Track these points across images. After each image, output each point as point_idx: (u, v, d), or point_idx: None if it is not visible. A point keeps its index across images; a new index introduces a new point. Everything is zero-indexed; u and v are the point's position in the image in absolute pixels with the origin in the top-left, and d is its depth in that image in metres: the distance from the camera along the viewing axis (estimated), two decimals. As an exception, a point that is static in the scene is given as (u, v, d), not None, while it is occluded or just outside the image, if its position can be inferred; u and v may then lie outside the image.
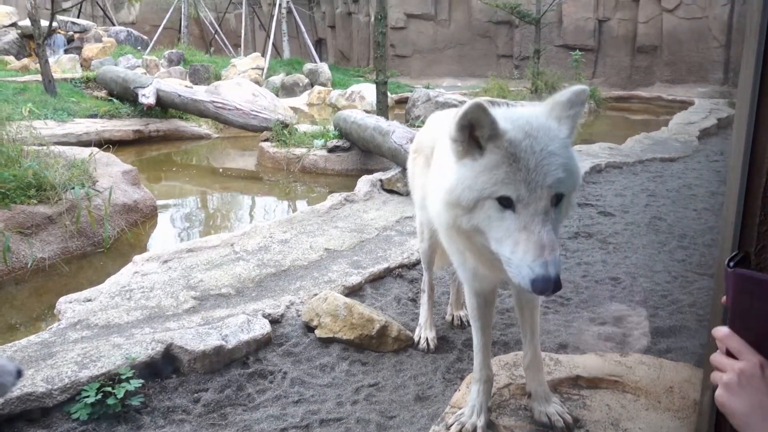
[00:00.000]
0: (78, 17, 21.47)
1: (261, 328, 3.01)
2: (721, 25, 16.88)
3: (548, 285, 1.51)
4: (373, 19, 11.43)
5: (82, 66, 17.52)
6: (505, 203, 1.56)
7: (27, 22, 15.35)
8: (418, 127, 10.35)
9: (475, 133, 1.60)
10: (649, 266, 4.12)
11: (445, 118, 2.88)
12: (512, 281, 1.60)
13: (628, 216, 5.29)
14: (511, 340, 3.13)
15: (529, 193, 1.54)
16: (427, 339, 3.11)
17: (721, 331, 1.17)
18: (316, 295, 3.34)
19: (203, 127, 11.17)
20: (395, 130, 6.71)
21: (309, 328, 3.18)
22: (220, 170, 9.07)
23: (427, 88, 17.12)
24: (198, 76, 18.13)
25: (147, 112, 10.60)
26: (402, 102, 15.49)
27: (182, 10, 25.63)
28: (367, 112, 11.37)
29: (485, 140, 1.59)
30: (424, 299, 3.22)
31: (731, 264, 1.16)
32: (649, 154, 8.00)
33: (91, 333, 2.93)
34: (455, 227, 1.71)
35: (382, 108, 9.82)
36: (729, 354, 1.16)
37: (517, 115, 1.66)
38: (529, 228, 1.54)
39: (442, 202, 1.72)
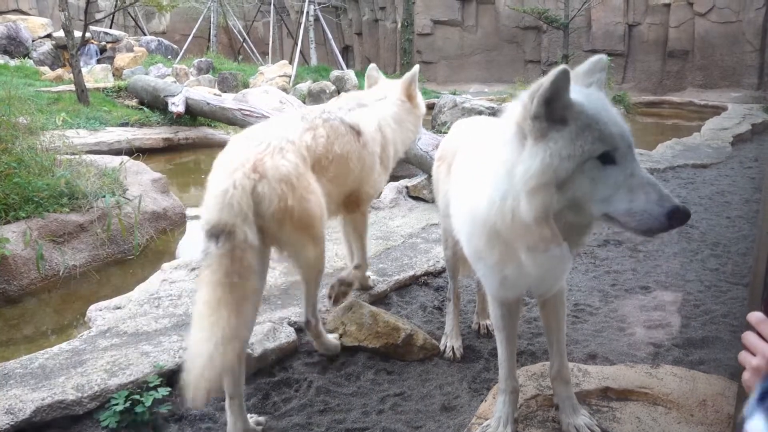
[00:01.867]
0: (110, 27, 21.92)
1: (287, 336, 3.02)
2: (756, 29, 16.53)
3: (685, 213, 1.54)
4: (399, 26, 11.45)
5: (113, 75, 17.86)
6: (605, 159, 1.59)
7: (61, 33, 15.71)
8: (444, 133, 10.32)
9: (554, 104, 1.60)
10: (681, 275, 4.04)
11: (469, 125, 2.87)
12: (636, 230, 1.60)
13: (658, 223, 5.19)
14: (539, 350, 3.09)
15: (623, 142, 1.60)
16: (453, 348, 3.08)
17: (756, 316, 1.20)
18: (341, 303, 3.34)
19: (231, 134, 11.26)
20: (421, 137, 6.69)
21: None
22: (248, 177, 9.14)
23: (454, 94, 17.07)
24: (226, 84, 18.37)
25: (176, 120, 10.76)
26: (428, 108, 15.48)
27: (211, 19, 26.02)
28: (393, 118, 11.34)
29: (564, 109, 1.61)
30: (449, 308, 3.20)
31: None
32: (681, 160, 7.85)
33: (121, 341, 2.96)
34: (545, 213, 1.62)
35: (409, 115, 9.80)
36: (762, 338, 1.17)
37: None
38: (636, 173, 1.59)
39: (523, 193, 1.62)
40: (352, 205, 3.19)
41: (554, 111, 1.60)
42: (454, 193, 2.32)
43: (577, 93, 1.65)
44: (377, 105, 3.21)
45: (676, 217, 1.54)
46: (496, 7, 21.65)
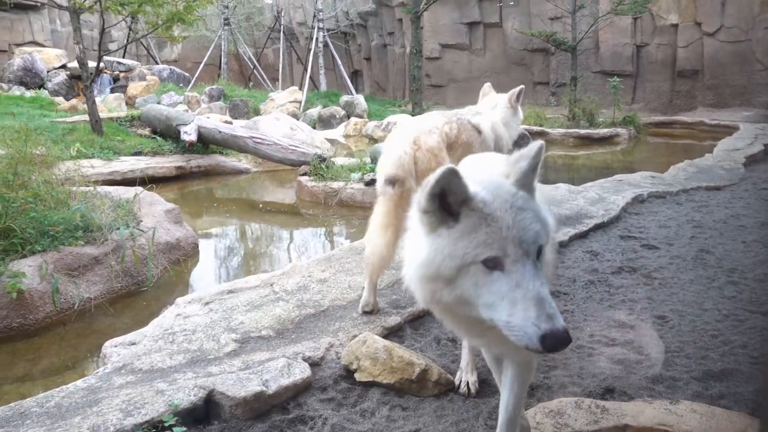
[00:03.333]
0: (123, 57, 22.30)
1: (301, 372, 3.00)
2: (766, 47, 16.57)
3: (560, 339, 1.44)
4: (408, 52, 11.54)
5: (126, 104, 18.15)
6: (492, 264, 1.51)
7: (75, 64, 15.99)
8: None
9: (447, 200, 1.55)
10: (698, 303, 3.99)
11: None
12: (516, 345, 1.50)
13: (673, 249, 5.16)
14: (555, 384, 3.05)
15: (515, 248, 1.50)
16: (468, 383, 3.05)
17: None
18: (355, 337, 3.32)
19: (243, 161, 11.41)
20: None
21: (349, 372, 3.16)
22: (260, 205, 9.20)
23: (463, 117, 17.13)
24: (238, 111, 18.59)
25: (189, 148, 10.88)
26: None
27: (222, 47, 26.40)
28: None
29: (458, 205, 1.55)
30: (465, 342, 3.18)
31: None
32: (694, 182, 7.82)
33: (136, 378, 2.96)
34: (435, 302, 1.65)
35: (419, 140, 9.85)
36: None
37: (480, 176, 1.68)
38: (522, 285, 1.48)
39: (416, 278, 1.66)
40: None
41: (448, 205, 1.56)
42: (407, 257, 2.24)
43: (484, 187, 1.59)
44: (490, 112, 4.40)
45: (551, 341, 1.43)
46: (503, 30, 21.86)
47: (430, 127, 3.64)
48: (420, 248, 1.63)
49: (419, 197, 1.60)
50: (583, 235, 5.54)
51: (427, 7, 9.59)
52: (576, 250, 5.17)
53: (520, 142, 4.58)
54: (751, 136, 11.99)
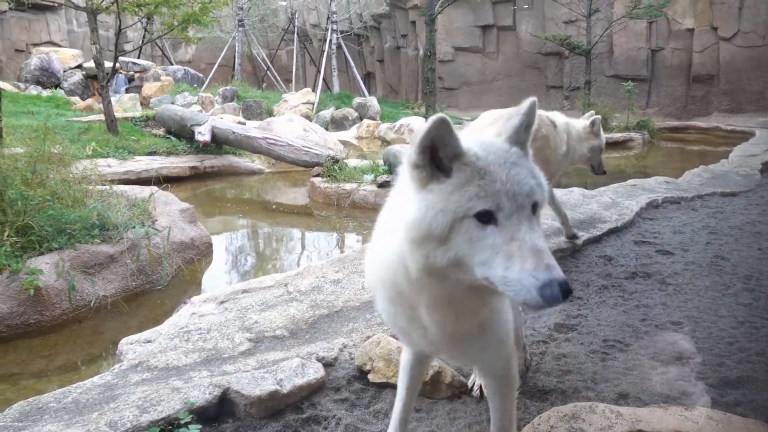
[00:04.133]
0: (138, 57, 22.48)
1: (315, 372, 3.02)
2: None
3: (559, 290, 1.36)
4: (422, 54, 11.56)
5: (141, 104, 18.30)
6: (485, 219, 1.44)
7: (91, 64, 16.15)
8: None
9: (438, 154, 1.48)
10: (713, 310, 3.97)
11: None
12: (515, 301, 1.45)
13: (688, 255, 5.12)
14: (569, 389, 3.04)
15: (509, 201, 1.45)
16: (481, 386, 3.06)
17: None
18: (369, 338, 3.33)
19: (256, 162, 11.46)
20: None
21: (362, 372, 3.17)
22: (273, 206, 9.24)
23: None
24: (251, 112, 18.67)
25: (202, 148, 10.95)
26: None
27: (236, 48, 26.54)
28: (416, 146, 11.40)
29: (449, 159, 1.48)
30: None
31: None
32: (709, 188, 7.76)
33: (151, 375, 2.99)
34: (428, 268, 1.51)
35: (432, 143, 9.87)
36: None
37: (471, 135, 1.64)
38: (517, 237, 1.42)
39: (407, 242, 1.53)
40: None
41: (439, 160, 1.49)
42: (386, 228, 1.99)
43: (477, 143, 1.54)
44: (569, 120, 4.78)
45: (550, 291, 1.35)
46: (517, 33, 21.82)
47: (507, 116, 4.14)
48: (409, 207, 1.53)
49: (409, 151, 1.52)
50: (596, 240, 5.52)
51: (441, 10, 9.60)
52: (590, 255, 5.15)
53: (597, 169, 5.20)
54: None
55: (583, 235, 5.41)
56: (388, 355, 3.11)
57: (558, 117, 4.59)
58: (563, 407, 2.68)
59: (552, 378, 3.14)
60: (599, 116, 5.04)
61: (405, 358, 2.16)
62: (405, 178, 1.58)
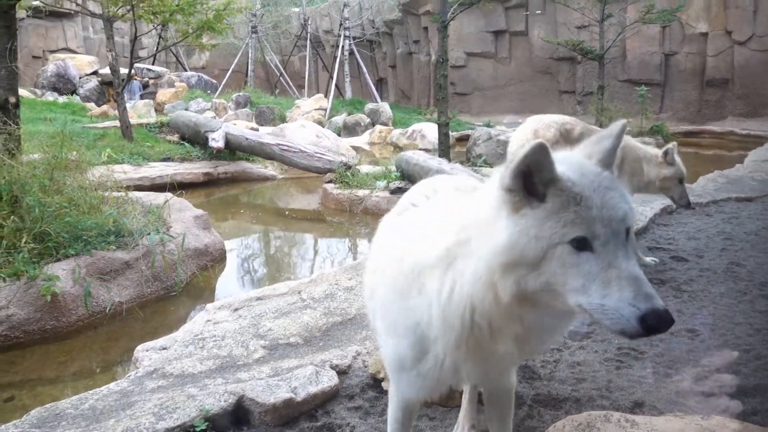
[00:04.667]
0: (152, 64, 22.68)
1: (329, 380, 3.03)
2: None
3: (661, 318, 1.33)
4: (434, 60, 11.58)
5: (155, 110, 18.44)
6: (580, 245, 1.41)
7: (107, 70, 16.32)
8: (480, 166, 10.35)
9: (532, 179, 1.46)
10: (729, 317, 3.93)
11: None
12: (611, 330, 1.41)
13: (703, 261, 5.08)
14: (583, 397, 3.03)
15: (605, 228, 1.42)
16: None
17: None
18: (382, 345, 3.34)
19: (269, 168, 11.52)
20: (457, 174, 6.73)
21: (376, 380, 3.17)
22: (286, 212, 9.28)
23: (488, 125, 17.12)
24: (264, 118, 18.78)
25: (216, 154, 11.03)
26: (463, 140, 15.56)
27: (249, 54, 26.72)
28: (428, 151, 11.45)
29: (544, 184, 1.46)
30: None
31: None
32: (724, 193, 7.70)
33: (167, 382, 3.02)
34: (520, 294, 1.48)
35: (444, 149, 9.89)
36: None
37: (564, 157, 1.57)
38: (615, 264, 1.39)
39: (497, 267, 1.49)
40: None
41: (533, 185, 1.46)
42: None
43: (570, 166, 1.51)
44: (638, 145, 4.98)
45: (651, 322, 1.33)
46: (529, 38, 21.79)
47: (549, 122, 4.57)
48: (499, 232, 1.49)
49: (503, 174, 1.49)
50: (610, 246, 5.49)
51: (454, 16, 9.62)
52: (603, 262, 5.13)
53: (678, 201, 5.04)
54: (783, 146, 11.79)
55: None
56: (401, 362, 3.12)
57: (627, 140, 4.63)
58: (578, 416, 2.66)
59: (566, 386, 3.13)
60: (673, 145, 4.93)
61: (396, 418, 2.03)
62: (491, 202, 1.55)
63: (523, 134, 4.49)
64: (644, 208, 6.68)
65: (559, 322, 1.63)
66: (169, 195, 6.37)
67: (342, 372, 3.18)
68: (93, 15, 12.37)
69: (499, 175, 1.53)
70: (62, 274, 4.47)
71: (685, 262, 5.08)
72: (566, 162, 1.52)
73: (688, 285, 4.54)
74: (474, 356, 1.68)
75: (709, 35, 18.02)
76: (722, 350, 3.45)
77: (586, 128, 4.72)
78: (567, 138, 4.35)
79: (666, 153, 4.84)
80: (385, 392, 3.08)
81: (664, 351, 3.49)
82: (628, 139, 4.68)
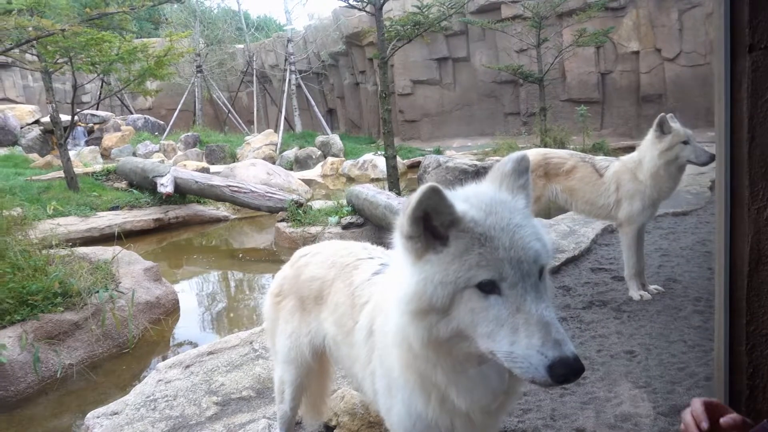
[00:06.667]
0: (97, 109, 22.36)
1: (282, 432, 3.07)
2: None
3: (570, 368, 1.26)
4: (378, 95, 11.81)
5: (102, 155, 18.19)
6: (488, 288, 1.34)
7: (48, 119, 16.04)
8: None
9: (432, 223, 1.39)
10: (665, 336, 4.13)
11: (314, 253, 2.56)
12: (522, 378, 1.34)
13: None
14: (529, 428, 3.14)
15: (513, 270, 1.34)
16: (446, 432, 3.13)
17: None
18: (334, 392, 3.40)
19: (221, 209, 11.49)
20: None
21: (329, 428, 3.22)
22: (240, 254, 9.26)
23: (438, 152, 17.44)
24: (214, 156, 18.71)
25: (166, 199, 10.94)
26: (414, 166, 15.78)
27: (196, 93, 26.61)
28: (379, 180, 11.58)
29: (445, 227, 1.39)
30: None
31: None
32: (661, 209, 7.98)
33: (118, 450, 3.01)
34: (432, 341, 1.42)
35: (393, 181, 10.05)
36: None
37: (469, 193, 1.51)
38: (523, 309, 1.32)
39: (407, 315, 1.45)
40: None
41: (434, 228, 1.40)
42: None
43: (478, 205, 1.44)
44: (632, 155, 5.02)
45: (559, 371, 1.25)
46: (471, 64, 22.35)
47: (559, 153, 5.35)
48: (406, 280, 1.44)
49: (401, 221, 1.43)
50: (555, 270, 5.68)
51: (393, 52, 9.86)
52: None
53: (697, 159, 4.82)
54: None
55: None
56: (352, 409, 3.18)
57: (611, 168, 4.99)
58: (522, 450, 2.77)
59: (513, 418, 3.23)
60: (663, 114, 4.70)
61: None
62: (398, 249, 1.50)
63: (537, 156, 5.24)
64: (586, 229, 6.92)
65: (499, 369, 1.50)
66: (117, 248, 6.32)
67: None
68: (31, 68, 12.21)
69: (398, 223, 1.47)
70: (9, 341, 4.39)
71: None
72: (472, 199, 1.46)
73: (627, 305, 4.74)
74: (450, 414, 1.62)
75: (641, 53, 18.83)
76: (657, 370, 3.63)
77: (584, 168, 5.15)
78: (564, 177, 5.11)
79: (661, 123, 4.63)
80: (339, 440, 3.13)
81: (604, 375, 3.64)
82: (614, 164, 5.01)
